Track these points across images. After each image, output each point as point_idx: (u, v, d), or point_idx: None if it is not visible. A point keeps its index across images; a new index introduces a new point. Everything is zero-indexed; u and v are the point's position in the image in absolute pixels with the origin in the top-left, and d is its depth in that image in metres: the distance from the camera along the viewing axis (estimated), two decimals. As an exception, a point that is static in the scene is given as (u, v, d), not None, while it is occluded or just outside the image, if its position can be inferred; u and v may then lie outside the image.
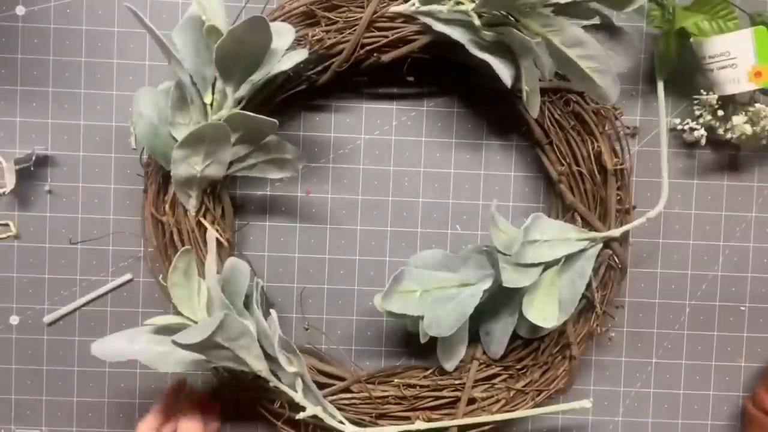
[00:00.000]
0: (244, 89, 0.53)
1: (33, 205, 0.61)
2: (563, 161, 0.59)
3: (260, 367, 0.53)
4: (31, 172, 0.60)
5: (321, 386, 0.57)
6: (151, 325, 0.53)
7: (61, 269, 0.61)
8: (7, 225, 0.61)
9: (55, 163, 0.61)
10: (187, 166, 0.54)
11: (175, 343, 0.47)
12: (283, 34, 0.53)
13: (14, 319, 0.61)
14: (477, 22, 0.52)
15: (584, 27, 0.53)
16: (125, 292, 0.62)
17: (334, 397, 0.58)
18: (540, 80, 0.54)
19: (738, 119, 0.59)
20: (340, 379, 0.59)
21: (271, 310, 0.53)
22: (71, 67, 0.60)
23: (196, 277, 0.54)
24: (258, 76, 0.53)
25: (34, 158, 0.59)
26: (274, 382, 0.54)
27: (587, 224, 0.59)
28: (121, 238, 0.61)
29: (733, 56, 0.57)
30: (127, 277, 0.62)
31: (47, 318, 0.61)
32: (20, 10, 0.60)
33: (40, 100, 0.60)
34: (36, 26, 0.60)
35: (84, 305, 0.62)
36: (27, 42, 0.60)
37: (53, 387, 0.62)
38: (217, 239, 0.56)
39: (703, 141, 0.61)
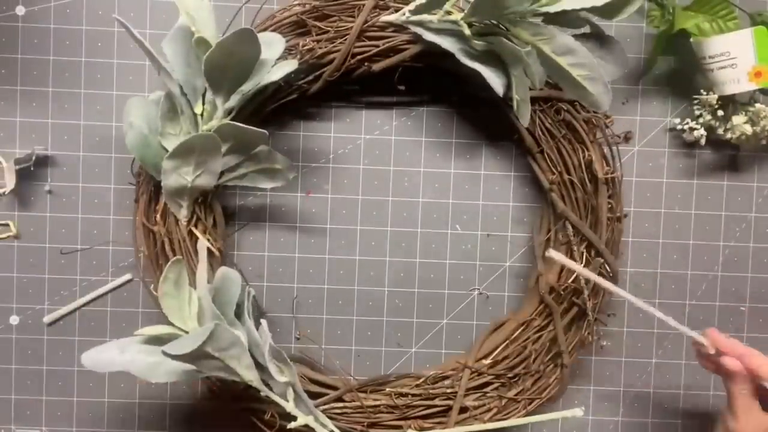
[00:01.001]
0: (234, 100, 0.53)
1: (33, 205, 0.61)
2: (554, 170, 0.59)
3: (251, 377, 0.52)
4: (31, 172, 0.60)
5: (313, 396, 0.58)
6: (142, 335, 0.53)
7: (61, 269, 0.61)
8: (7, 225, 0.61)
9: (55, 163, 0.61)
10: (178, 176, 0.54)
11: (165, 353, 0.47)
12: (273, 44, 0.53)
13: (14, 319, 0.61)
14: (467, 31, 0.52)
15: (574, 36, 0.53)
16: (125, 292, 0.62)
17: (326, 407, 0.58)
18: (531, 89, 0.54)
19: (738, 119, 0.59)
20: (333, 388, 0.59)
21: (262, 320, 0.53)
22: (71, 67, 0.60)
23: (187, 287, 0.54)
24: (248, 87, 0.53)
25: (34, 158, 0.59)
26: (265, 391, 0.53)
27: (578, 233, 0.59)
28: (121, 238, 0.61)
29: (733, 56, 0.57)
30: (127, 277, 0.62)
31: (47, 318, 0.61)
32: (20, 10, 0.60)
33: (40, 100, 0.60)
34: (36, 26, 0.60)
35: (84, 305, 0.62)
36: (27, 42, 0.60)
37: (53, 387, 0.62)
38: (209, 248, 0.56)
39: (703, 141, 0.61)
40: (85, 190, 0.61)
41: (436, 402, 0.59)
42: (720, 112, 0.60)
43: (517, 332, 0.61)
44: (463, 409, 0.59)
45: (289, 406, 0.54)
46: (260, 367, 0.53)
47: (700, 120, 0.61)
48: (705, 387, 0.65)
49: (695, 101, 0.61)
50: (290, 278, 0.63)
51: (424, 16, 0.54)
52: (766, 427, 0.52)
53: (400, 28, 0.55)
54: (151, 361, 0.51)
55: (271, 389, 0.54)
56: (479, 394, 0.60)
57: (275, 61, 0.53)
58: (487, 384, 0.60)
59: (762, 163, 0.64)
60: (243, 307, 0.54)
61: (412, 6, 0.54)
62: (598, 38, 0.55)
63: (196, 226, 0.57)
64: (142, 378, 0.51)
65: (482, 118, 0.63)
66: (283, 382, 0.54)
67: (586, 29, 0.55)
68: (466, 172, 0.63)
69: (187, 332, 0.53)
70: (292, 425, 0.54)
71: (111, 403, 0.62)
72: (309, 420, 0.55)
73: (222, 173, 0.56)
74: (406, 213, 0.63)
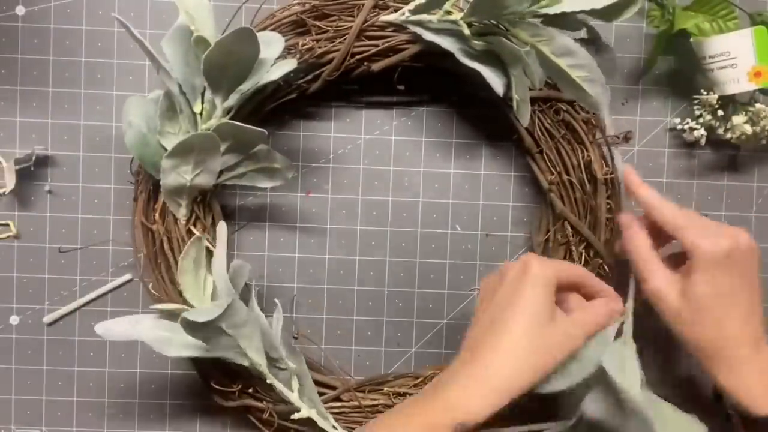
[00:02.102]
0: (233, 99, 0.53)
1: (33, 205, 0.61)
2: (554, 170, 0.59)
3: (260, 360, 0.53)
4: (31, 172, 0.60)
5: None
6: (156, 310, 0.54)
7: (61, 269, 0.61)
8: (7, 225, 0.61)
9: (55, 163, 0.61)
10: (177, 175, 0.54)
11: (184, 320, 0.48)
12: (272, 43, 0.53)
13: (14, 319, 0.62)
14: (467, 31, 0.52)
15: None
16: (125, 292, 0.62)
17: (325, 406, 0.58)
18: (530, 89, 0.54)
19: (738, 119, 0.59)
20: (331, 387, 0.59)
21: (277, 300, 0.54)
22: (71, 67, 0.60)
23: (204, 269, 0.55)
24: (247, 86, 0.53)
25: (34, 158, 0.59)
26: (271, 379, 0.54)
27: (577, 233, 0.59)
28: (121, 238, 0.61)
29: (733, 56, 0.57)
30: (127, 277, 0.62)
31: (47, 318, 0.61)
32: (20, 10, 0.60)
33: (40, 100, 0.60)
34: (36, 26, 0.60)
35: (84, 305, 0.62)
36: (27, 42, 0.60)
37: (53, 387, 0.62)
38: (207, 248, 0.56)
39: (703, 141, 0.61)
40: (85, 190, 0.61)
41: (435, 402, 0.59)
42: (720, 112, 0.60)
43: (517, 332, 0.60)
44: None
45: (293, 397, 0.55)
46: (268, 357, 0.54)
47: (700, 120, 0.61)
48: (705, 386, 0.64)
49: (695, 101, 0.61)
50: (290, 278, 0.63)
51: (424, 16, 0.54)
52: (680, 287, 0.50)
53: (399, 27, 0.55)
54: (163, 335, 0.53)
55: (277, 379, 0.55)
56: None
57: (274, 61, 0.53)
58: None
59: (762, 163, 0.64)
60: (251, 299, 0.55)
61: (411, 6, 0.54)
62: (594, 44, 0.56)
63: (195, 225, 0.57)
64: (155, 350, 0.52)
65: (482, 118, 0.63)
66: (289, 371, 0.54)
67: (584, 35, 0.56)
68: (466, 172, 0.63)
69: (200, 312, 0.54)
70: (295, 416, 0.55)
71: (111, 402, 0.62)
72: (312, 413, 0.55)
73: (221, 172, 0.56)
74: (406, 213, 0.63)
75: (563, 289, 0.51)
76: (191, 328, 0.49)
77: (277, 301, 0.54)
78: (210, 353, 0.53)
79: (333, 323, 0.63)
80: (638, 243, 0.52)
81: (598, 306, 0.51)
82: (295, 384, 0.55)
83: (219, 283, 0.53)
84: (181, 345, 0.53)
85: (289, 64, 0.53)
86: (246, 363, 0.53)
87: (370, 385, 0.60)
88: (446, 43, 0.53)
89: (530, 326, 0.47)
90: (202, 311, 0.50)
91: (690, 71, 0.62)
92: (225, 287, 0.52)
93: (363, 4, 0.55)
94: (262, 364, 0.53)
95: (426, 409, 0.46)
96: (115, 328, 0.53)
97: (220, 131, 0.53)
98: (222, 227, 0.55)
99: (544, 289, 0.48)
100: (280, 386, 0.54)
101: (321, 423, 0.55)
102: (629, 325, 0.53)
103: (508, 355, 0.46)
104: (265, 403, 0.57)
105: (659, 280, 0.50)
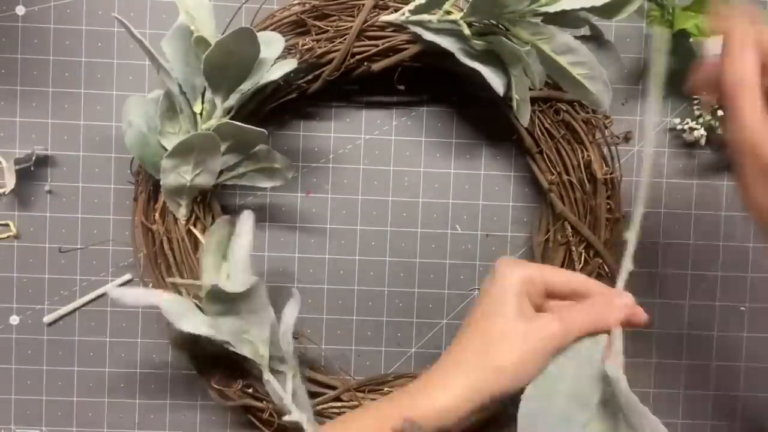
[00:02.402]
0: (233, 99, 0.53)
1: (33, 205, 0.61)
2: (553, 170, 0.59)
3: (264, 352, 0.53)
4: (31, 172, 0.60)
5: (312, 395, 0.58)
6: (171, 283, 0.55)
7: (61, 269, 0.61)
8: (7, 225, 0.61)
9: (55, 163, 0.61)
10: (177, 175, 0.54)
11: (215, 288, 0.49)
12: (272, 43, 0.53)
13: (14, 319, 0.61)
14: (467, 31, 0.52)
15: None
16: (125, 292, 0.62)
17: (325, 406, 0.58)
18: (530, 89, 0.54)
19: (738, 119, 0.59)
20: (332, 387, 0.59)
21: (294, 289, 0.55)
22: (71, 67, 0.60)
23: (221, 256, 0.55)
24: (247, 86, 0.53)
25: (34, 158, 0.59)
26: (268, 375, 0.54)
27: (577, 233, 0.59)
28: (121, 238, 0.61)
29: (733, 56, 0.57)
30: (127, 277, 0.62)
31: (47, 318, 0.61)
32: (20, 10, 0.60)
33: (40, 100, 0.60)
34: (36, 26, 0.60)
35: (84, 305, 0.62)
36: (27, 42, 0.60)
37: (53, 387, 0.62)
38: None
39: (703, 141, 0.61)
40: (85, 190, 0.61)
41: (435, 402, 0.59)
42: (720, 112, 0.60)
43: (517, 332, 0.60)
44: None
45: (287, 398, 0.54)
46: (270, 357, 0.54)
47: (700, 120, 0.61)
48: (705, 387, 0.64)
49: (695, 101, 0.61)
50: (290, 278, 0.63)
51: (424, 16, 0.54)
52: None
53: (399, 27, 0.55)
54: (177, 309, 0.53)
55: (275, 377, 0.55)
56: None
57: (274, 61, 0.53)
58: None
59: (762, 163, 0.64)
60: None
61: (411, 6, 0.54)
62: (596, 41, 0.55)
63: (195, 225, 0.57)
64: (170, 320, 0.52)
65: (482, 118, 0.63)
66: (285, 372, 0.54)
67: (586, 32, 0.56)
68: (466, 172, 0.63)
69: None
70: (285, 419, 0.54)
71: (111, 402, 0.62)
72: (302, 419, 0.55)
73: (221, 172, 0.56)
74: (406, 213, 0.63)
75: (560, 297, 0.48)
76: (216, 298, 0.50)
77: (294, 289, 0.55)
78: (218, 335, 0.52)
79: (333, 323, 0.63)
80: (747, 66, 0.40)
81: (591, 303, 0.47)
82: (289, 385, 0.55)
83: (239, 269, 0.53)
84: (195, 321, 0.53)
85: (289, 64, 0.53)
86: (247, 353, 0.53)
87: (370, 385, 0.60)
88: (446, 43, 0.53)
89: (497, 324, 0.44)
90: (237, 282, 0.51)
91: (690, 71, 0.62)
92: (246, 273, 0.53)
93: (363, 4, 0.55)
94: (265, 356, 0.53)
95: (384, 404, 0.45)
96: (129, 293, 0.53)
97: (220, 131, 0.53)
98: (248, 215, 0.54)
99: (508, 286, 0.45)
100: (275, 385, 0.54)
101: (306, 427, 0.55)
102: (619, 340, 0.47)
103: (470, 353, 0.44)
104: (265, 403, 0.57)
105: (759, 122, 0.40)
